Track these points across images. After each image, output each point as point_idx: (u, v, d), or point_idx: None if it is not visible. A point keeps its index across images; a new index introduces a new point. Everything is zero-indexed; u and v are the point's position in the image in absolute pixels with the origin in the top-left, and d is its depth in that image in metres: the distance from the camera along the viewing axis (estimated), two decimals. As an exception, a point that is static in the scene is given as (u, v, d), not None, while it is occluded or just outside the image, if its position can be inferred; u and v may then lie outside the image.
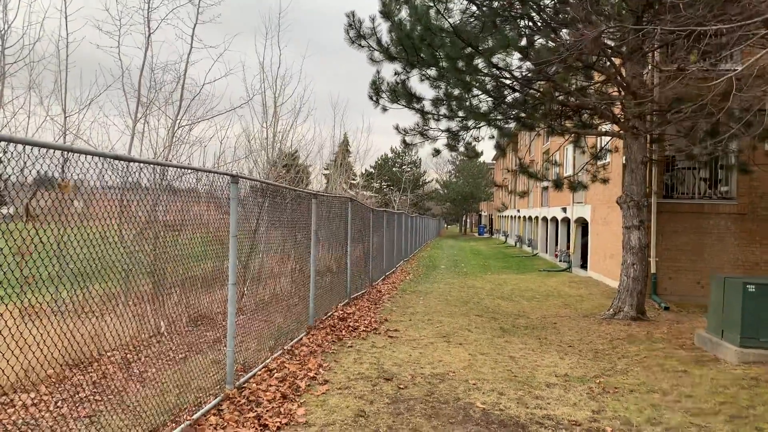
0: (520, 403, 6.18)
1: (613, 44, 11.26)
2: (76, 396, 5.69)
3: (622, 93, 11.69)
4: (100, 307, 5.05)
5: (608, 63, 11.69)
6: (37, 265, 3.73)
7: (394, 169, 71.09)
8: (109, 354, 6.82)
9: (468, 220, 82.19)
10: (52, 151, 3.53)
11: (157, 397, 5.22)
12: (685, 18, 7.28)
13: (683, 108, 9.64)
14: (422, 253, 33.70)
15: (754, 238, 13.79)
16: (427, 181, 76.79)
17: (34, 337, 3.56)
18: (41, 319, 3.84)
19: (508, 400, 6.25)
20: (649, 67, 12.32)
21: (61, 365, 5.49)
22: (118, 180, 4.44)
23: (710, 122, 10.42)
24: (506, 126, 12.96)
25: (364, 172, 60.88)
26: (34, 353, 3.58)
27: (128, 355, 6.97)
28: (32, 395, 5.49)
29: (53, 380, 6.03)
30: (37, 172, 3.46)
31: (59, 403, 5.61)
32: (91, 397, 5.76)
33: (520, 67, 12.19)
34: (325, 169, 29.00)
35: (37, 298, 4.03)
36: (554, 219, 27.04)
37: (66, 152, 3.69)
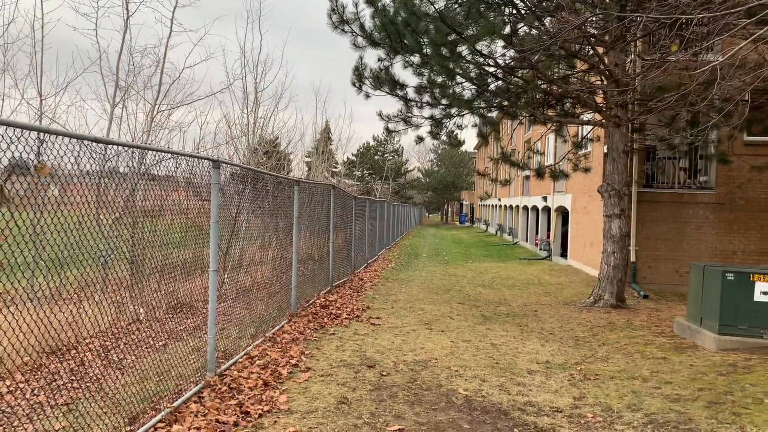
0: (503, 389, 6.20)
1: (596, 33, 11.26)
2: (53, 383, 5.59)
3: (605, 81, 11.72)
4: (78, 293, 4.94)
5: (591, 51, 11.71)
6: (12, 249, 3.62)
7: (376, 157, 70.90)
8: (87, 341, 6.71)
9: (449, 209, 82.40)
10: (27, 132, 3.41)
11: (137, 385, 5.14)
12: (670, 6, 7.28)
13: (666, 97, 9.69)
14: (404, 241, 33.72)
15: (731, 228, 13.96)
16: (409, 169, 76.79)
17: (9, 323, 3.47)
18: (16, 305, 3.74)
19: (491, 387, 6.27)
20: (632, 56, 12.36)
21: (38, 352, 5.38)
22: (96, 164, 4.33)
23: (691, 112, 10.50)
24: (489, 114, 12.96)
25: (345, 160, 60.82)
26: (9, 340, 3.49)
27: (107, 343, 6.87)
28: (7, 383, 5.38)
29: (29, 368, 5.92)
30: (12, 154, 3.34)
31: (36, 391, 5.51)
32: (69, 384, 5.66)
33: (503, 55, 12.17)
34: (306, 156, 28.85)
35: (12, 284, 3.93)
36: (535, 208, 27.18)
37: (42, 134, 3.58)
